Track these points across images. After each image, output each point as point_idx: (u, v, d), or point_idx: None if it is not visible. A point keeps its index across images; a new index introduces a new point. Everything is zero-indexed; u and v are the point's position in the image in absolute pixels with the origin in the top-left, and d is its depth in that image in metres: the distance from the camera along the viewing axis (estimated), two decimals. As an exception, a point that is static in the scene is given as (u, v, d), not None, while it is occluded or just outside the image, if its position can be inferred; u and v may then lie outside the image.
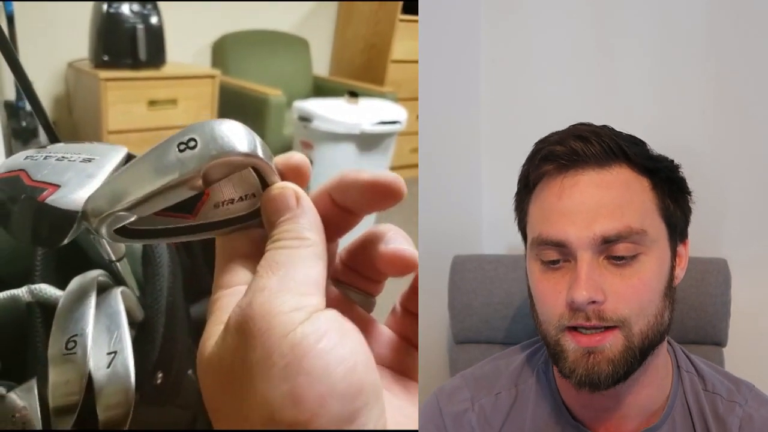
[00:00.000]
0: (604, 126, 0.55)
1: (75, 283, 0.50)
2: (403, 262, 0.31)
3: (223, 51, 2.96)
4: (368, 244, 0.33)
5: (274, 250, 0.29)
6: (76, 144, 0.46)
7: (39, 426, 0.49)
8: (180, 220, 0.35)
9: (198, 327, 0.69)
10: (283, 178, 0.32)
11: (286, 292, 0.27)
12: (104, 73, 2.25)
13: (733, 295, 0.83)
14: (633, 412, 0.57)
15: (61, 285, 0.57)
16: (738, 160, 0.95)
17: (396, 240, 0.32)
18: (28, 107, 2.31)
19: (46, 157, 0.45)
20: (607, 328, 0.51)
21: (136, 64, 2.35)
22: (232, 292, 0.30)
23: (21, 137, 2.31)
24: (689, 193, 0.57)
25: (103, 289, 0.50)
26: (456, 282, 0.91)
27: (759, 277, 0.95)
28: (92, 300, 0.47)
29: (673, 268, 0.55)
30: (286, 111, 2.56)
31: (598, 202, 0.52)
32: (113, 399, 0.45)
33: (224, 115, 2.59)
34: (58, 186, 0.41)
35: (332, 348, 0.25)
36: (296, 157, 0.32)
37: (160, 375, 0.59)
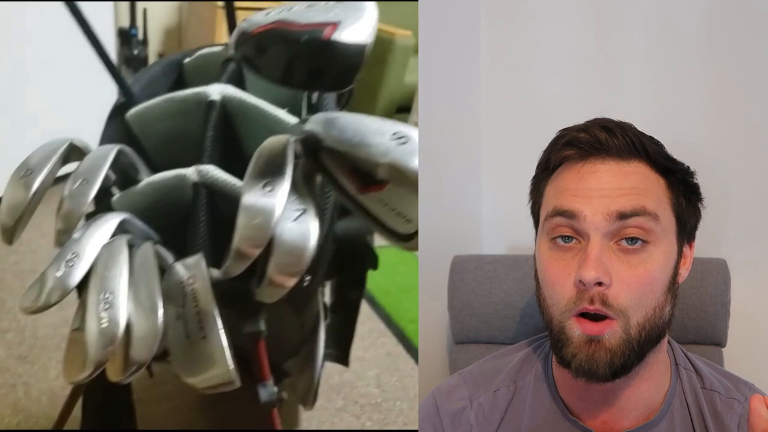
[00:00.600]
0: (628, 122, 0.56)
1: (276, 138, 0.47)
2: None
3: (345, -18, 2.74)
4: None
5: None
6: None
7: (210, 298, 0.47)
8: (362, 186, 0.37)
9: (342, 240, 0.69)
10: None
11: None
12: (222, 2, 2.19)
13: (733, 295, 0.83)
14: (630, 407, 0.57)
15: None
16: (738, 161, 0.95)
17: None
18: (141, 35, 2.35)
19: (288, 10, 0.43)
20: (607, 318, 0.51)
21: (257, -7, 2.29)
22: None
23: (132, 65, 2.33)
24: (701, 199, 0.58)
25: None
26: (456, 282, 0.91)
27: (759, 277, 0.95)
28: (290, 154, 0.44)
29: (678, 265, 0.56)
30: (412, 56, 2.26)
31: (616, 185, 0.53)
32: (290, 255, 0.42)
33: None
34: (337, 23, 0.38)
35: None
36: None
37: (308, 278, 0.57)
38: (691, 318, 0.82)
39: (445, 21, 1.04)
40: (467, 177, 1.08)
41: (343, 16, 0.38)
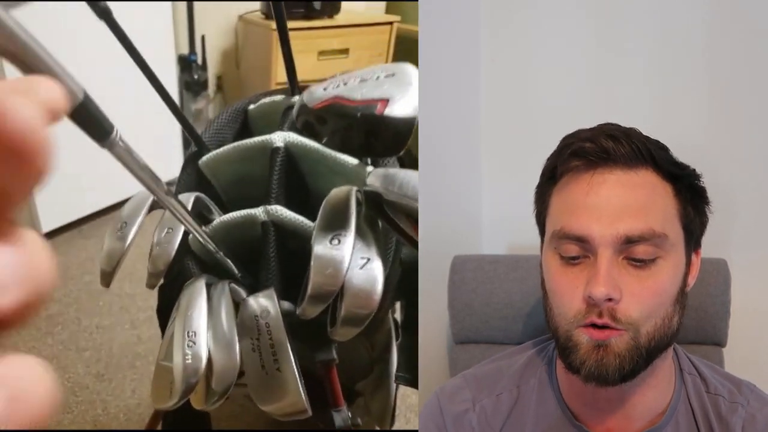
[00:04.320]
0: (633, 128, 0.55)
1: (340, 190, 0.51)
2: None
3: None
4: None
5: None
6: (352, 72, 0.50)
7: (282, 331, 0.52)
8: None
9: (407, 263, 0.73)
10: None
11: None
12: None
13: (733, 295, 0.83)
14: (636, 414, 0.57)
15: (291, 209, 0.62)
16: (738, 162, 0.96)
17: None
18: (200, 60, 2.46)
19: (344, 84, 0.48)
20: (615, 329, 0.51)
21: (309, 15, 2.31)
22: None
23: (192, 89, 2.44)
24: (708, 203, 0.57)
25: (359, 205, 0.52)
26: (456, 282, 0.91)
27: (759, 277, 0.95)
28: (354, 207, 0.49)
29: (686, 274, 0.55)
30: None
31: (623, 201, 0.52)
32: (359, 299, 0.47)
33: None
34: (388, 99, 0.44)
35: None
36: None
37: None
38: (691, 318, 0.82)
39: (445, 21, 1.04)
40: (467, 177, 1.08)
41: (393, 92, 0.44)
